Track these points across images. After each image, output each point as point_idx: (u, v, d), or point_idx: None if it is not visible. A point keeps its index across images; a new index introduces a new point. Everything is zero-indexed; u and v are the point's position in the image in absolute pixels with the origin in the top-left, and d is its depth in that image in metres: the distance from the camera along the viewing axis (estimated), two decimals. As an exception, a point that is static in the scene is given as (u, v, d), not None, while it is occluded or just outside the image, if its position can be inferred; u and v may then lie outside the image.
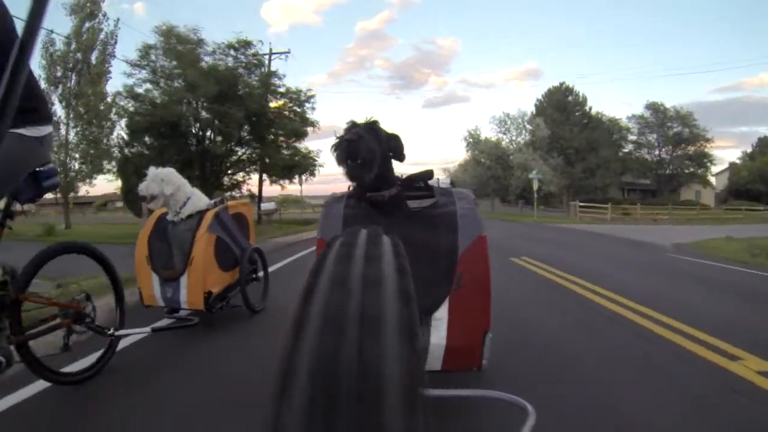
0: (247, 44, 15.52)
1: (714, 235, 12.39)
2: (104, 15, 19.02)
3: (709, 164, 36.17)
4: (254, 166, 16.81)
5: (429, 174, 1.86)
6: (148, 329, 2.60)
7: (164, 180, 2.95)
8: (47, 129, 1.85)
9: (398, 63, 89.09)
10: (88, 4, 18.90)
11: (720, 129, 72.22)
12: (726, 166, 41.27)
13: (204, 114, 13.78)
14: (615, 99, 76.12)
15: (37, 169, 1.86)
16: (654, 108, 36.19)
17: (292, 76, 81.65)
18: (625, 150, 35.72)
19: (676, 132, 35.42)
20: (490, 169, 31.59)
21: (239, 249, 3.32)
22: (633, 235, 12.73)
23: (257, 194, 17.83)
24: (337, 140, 1.59)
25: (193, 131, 14.63)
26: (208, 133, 14.79)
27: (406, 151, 1.71)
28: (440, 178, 2.43)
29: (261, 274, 3.66)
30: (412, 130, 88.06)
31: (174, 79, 13.87)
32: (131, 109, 14.32)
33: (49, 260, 1.98)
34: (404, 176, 1.81)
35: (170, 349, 2.68)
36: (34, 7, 0.48)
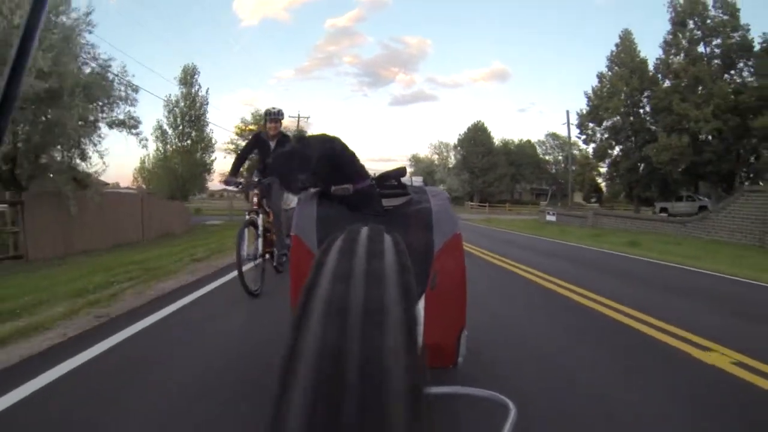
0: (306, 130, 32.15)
1: (509, 218, 28.03)
2: (199, 85, 33.52)
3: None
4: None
5: (402, 171, 1.82)
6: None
7: None
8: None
9: (366, 60, 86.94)
10: (188, 78, 33.42)
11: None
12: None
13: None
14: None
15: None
16: (553, 136, 53.94)
17: (260, 71, 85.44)
18: (541, 165, 53.18)
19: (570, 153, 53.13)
20: (424, 180, 47.48)
21: None
22: (464, 216, 28.28)
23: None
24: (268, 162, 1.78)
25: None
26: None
27: (352, 147, 1.73)
28: (413, 177, 2.46)
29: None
30: (379, 127, 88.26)
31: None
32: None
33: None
34: (376, 174, 1.76)
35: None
36: (34, 7, 0.48)
